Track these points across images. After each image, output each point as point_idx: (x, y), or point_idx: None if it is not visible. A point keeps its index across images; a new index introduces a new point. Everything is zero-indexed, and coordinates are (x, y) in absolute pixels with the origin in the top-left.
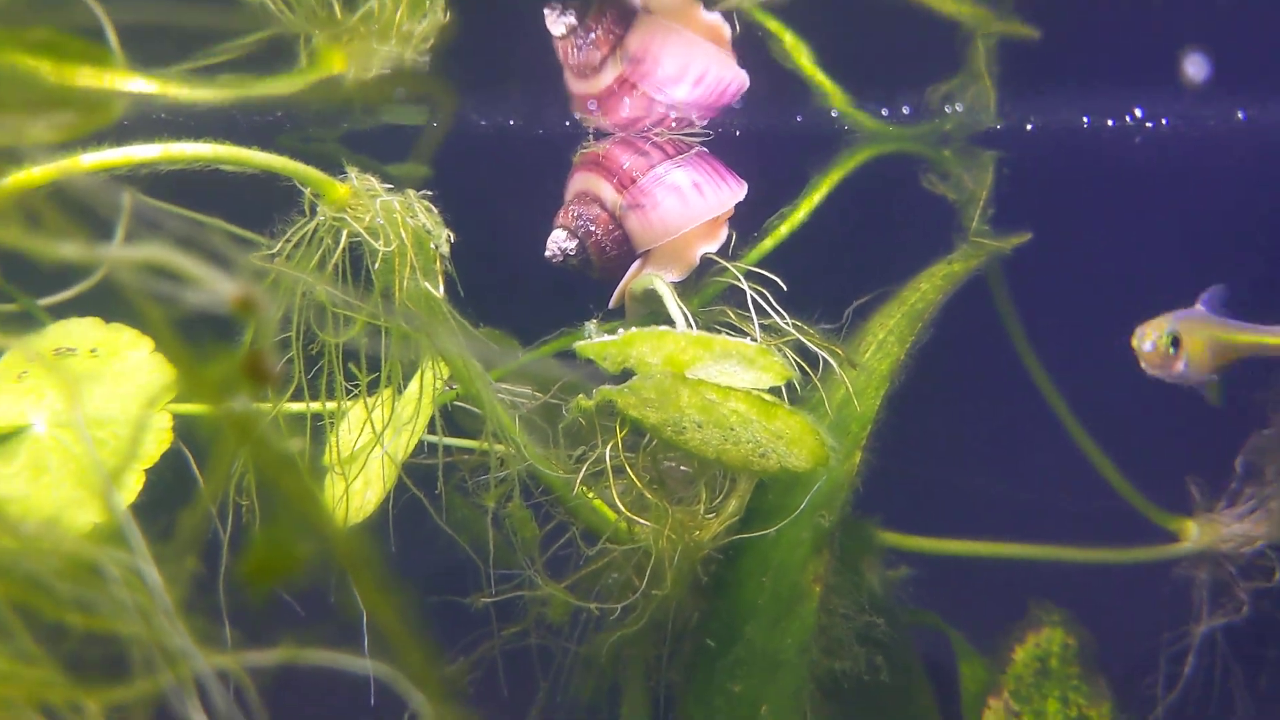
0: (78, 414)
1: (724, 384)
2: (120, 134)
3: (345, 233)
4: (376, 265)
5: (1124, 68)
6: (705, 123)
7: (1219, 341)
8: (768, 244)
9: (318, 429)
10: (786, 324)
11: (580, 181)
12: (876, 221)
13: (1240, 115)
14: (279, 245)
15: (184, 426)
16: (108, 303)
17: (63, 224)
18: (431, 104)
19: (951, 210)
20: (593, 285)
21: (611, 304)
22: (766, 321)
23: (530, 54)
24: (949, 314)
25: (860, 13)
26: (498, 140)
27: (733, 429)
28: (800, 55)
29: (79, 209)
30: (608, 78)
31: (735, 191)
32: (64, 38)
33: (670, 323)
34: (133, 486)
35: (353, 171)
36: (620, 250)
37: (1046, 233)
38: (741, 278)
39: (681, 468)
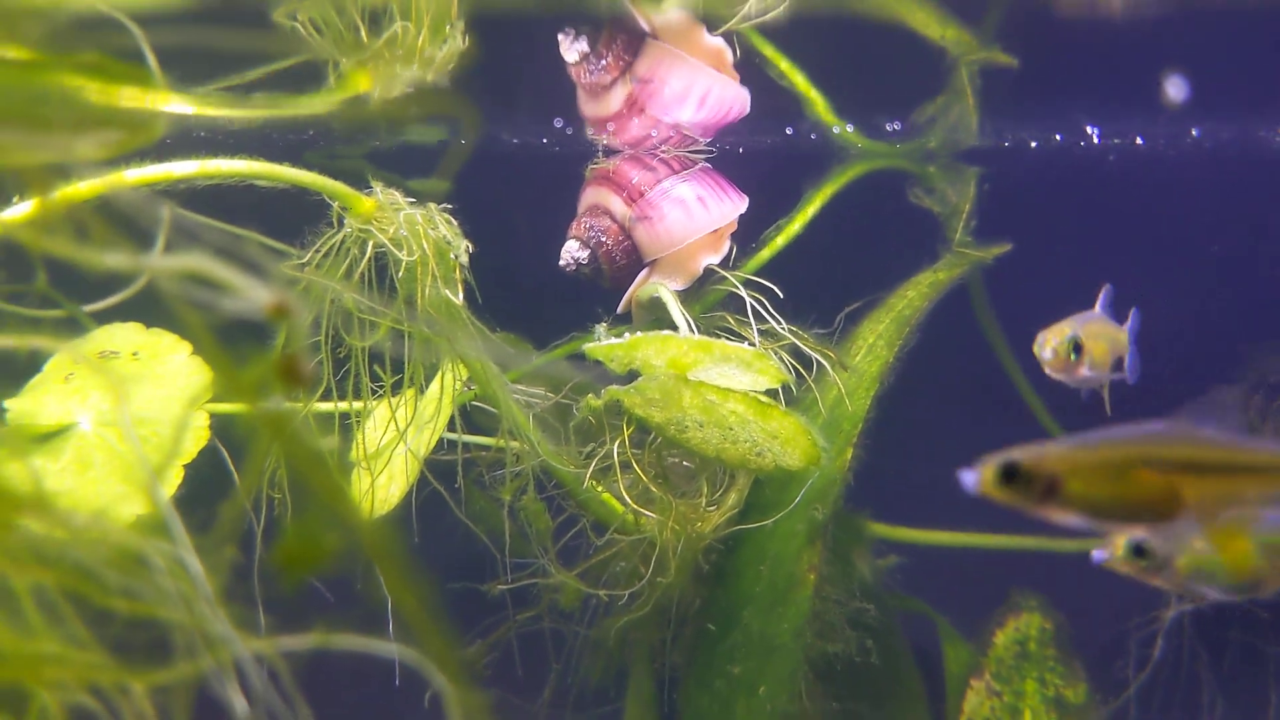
0: (124, 413)
1: (724, 386)
2: (161, 151)
3: (371, 243)
4: (400, 274)
5: (1097, 91)
6: (709, 140)
7: (1119, 343)
8: (765, 254)
9: (345, 427)
10: (783, 329)
11: (592, 195)
12: (866, 233)
13: (1194, 133)
14: (309, 255)
15: (221, 425)
16: (149, 309)
17: (108, 235)
18: (452, 123)
19: (936, 223)
20: (602, 292)
21: (620, 310)
22: (764, 327)
23: (544, 77)
24: (934, 319)
25: (853, 38)
26: (513, 156)
27: (731, 429)
28: (796, 77)
29: (123, 221)
30: (618, 100)
31: (737, 205)
32: (110, 61)
33: (674, 328)
34: (173, 481)
35: (378, 186)
36: (629, 259)
37: (1025, 244)
38: (740, 286)
39: (684, 464)
